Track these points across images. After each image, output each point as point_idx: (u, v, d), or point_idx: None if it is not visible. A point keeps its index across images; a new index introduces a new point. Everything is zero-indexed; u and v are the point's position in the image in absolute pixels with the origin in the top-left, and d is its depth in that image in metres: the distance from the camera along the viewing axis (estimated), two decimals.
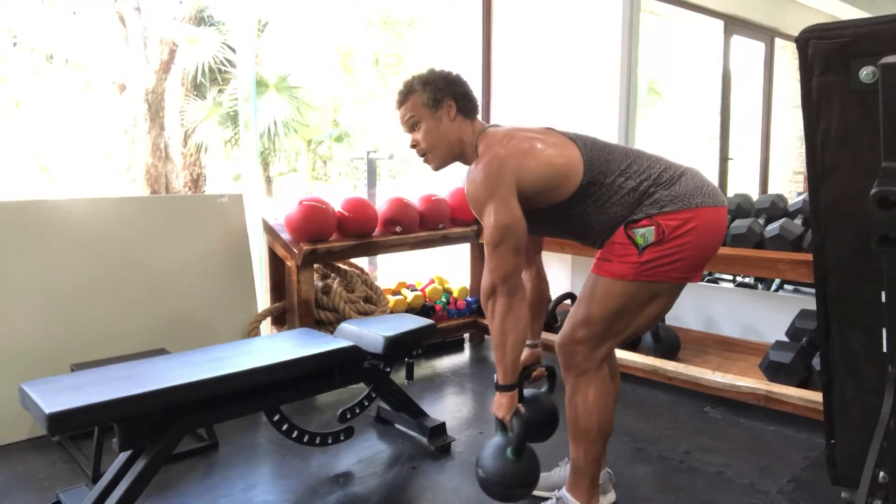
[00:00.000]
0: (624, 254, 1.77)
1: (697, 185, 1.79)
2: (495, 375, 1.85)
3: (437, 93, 1.88)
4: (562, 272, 4.14)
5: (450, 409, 3.01)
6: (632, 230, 1.76)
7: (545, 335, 3.46)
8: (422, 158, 1.97)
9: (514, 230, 1.75)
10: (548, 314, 3.61)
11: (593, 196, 1.80)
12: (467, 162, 1.95)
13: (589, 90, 3.81)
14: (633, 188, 1.78)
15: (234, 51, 8.13)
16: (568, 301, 3.77)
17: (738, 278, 4.06)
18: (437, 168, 1.98)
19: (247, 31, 4.17)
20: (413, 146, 1.95)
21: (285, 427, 2.29)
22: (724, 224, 1.84)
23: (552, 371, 2.14)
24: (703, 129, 5.80)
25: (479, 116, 1.99)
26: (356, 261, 3.65)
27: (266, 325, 3.53)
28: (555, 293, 3.81)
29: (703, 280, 4.04)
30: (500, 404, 1.84)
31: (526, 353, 2.10)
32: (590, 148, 1.84)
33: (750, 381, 2.74)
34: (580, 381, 1.85)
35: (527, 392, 2.12)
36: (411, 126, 1.94)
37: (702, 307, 3.57)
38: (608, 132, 3.70)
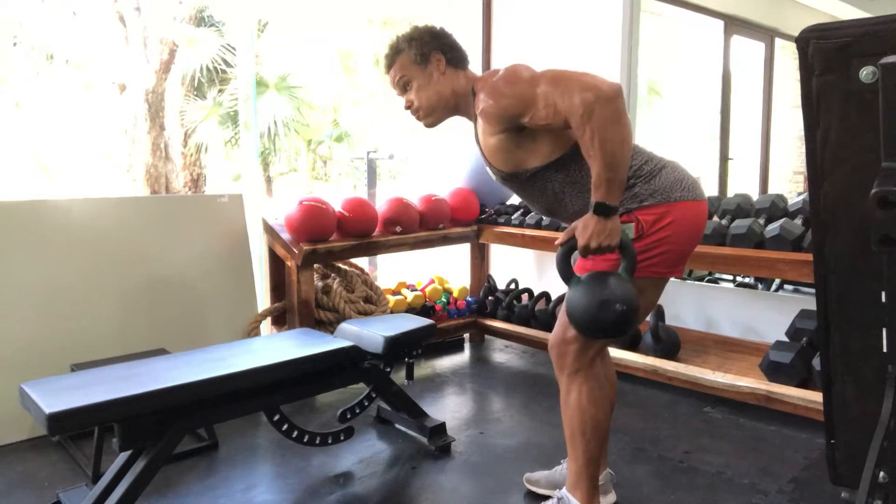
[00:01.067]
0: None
1: (677, 179, 1.79)
2: (593, 202, 1.60)
3: (423, 48, 1.86)
4: None
5: (450, 409, 3.01)
6: None
7: (546, 335, 3.46)
8: (416, 117, 1.93)
9: (573, 69, 1.65)
10: (548, 314, 3.62)
11: (572, 174, 1.78)
12: (463, 114, 1.91)
13: None
14: None
15: (233, 51, 8.14)
16: None
17: (738, 278, 4.06)
18: (432, 125, 1.94)
19: (247, 31, 4.17)
20: (407, 107, 1.92)
21: (285, 427, 2.29)
22: (703, 218, 1.84)
23: None
24: (703, 129, 5.80)
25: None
26: (356, 261, 3.65)
27: (266, 325, 3.53)
28: (555, 293, 3.82)
29: (703, 280, 4.05)
30: (612, 230, 1.60)
31: None
32: None
33: (750, 381, 2.74)
34: (573, 380, 1.85)
35: None
36: (403, 87, 1.91)
37: (702, 307, 3.57)
38: None
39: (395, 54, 1.89)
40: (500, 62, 4.22)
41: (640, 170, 1.78)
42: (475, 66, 4.18)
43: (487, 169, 1.95)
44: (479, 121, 1.84)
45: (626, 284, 1.63)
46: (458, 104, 1.90)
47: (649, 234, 1.74)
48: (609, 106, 1.53)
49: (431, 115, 1.91)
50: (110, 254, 2.94)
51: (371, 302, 3.53)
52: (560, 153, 1.78)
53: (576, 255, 1.73)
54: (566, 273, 1.70)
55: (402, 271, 4.23)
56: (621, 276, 1.65)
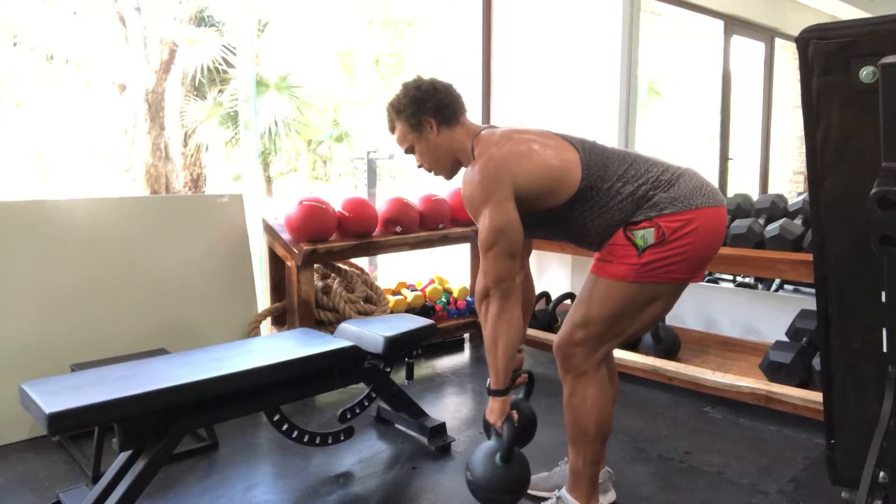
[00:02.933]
0: (623, 255, 1.77)
1: (697, 186, 1.79)
2: (488, 380, 1.86)
3: (411, 118, 1.93)
4: (562, 272, 4.15)
5: (450, 409, 3.01)
6: (631, 232, 1.76)
7: (546, 335, 3.47)
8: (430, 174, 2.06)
9: (509, 234, 1.76)
10: (548, 314, 3.62)
11: (591, 201, 1.80)
12: (466, 165, 1.96)
13: (589, 90, 3.81)
14: (630, 193, 1.78)
15: (233, 51, 8.14)
16: (568, 301, 3.78)
17: (738, 278, 4.06)
18: (447, 178, 2.05)
19: (247, 31, 4.18)
20: (419, 167, 2.03)
21: (285, 427, 2.29)
22: (724, 223, 1.85)
23: (531, 377, 2.13)
24: (703, 129, 5.80)
25: (477, 114, 2.00)
26: (356, 261, 3.65)
27: (266, 325, 3.53)
28: (555, 293, 3.83)
29: (703, 280, 4.05)
30: (492, 409, 1.85)
31: None
32: (588, 152, 1.84)
33: (750, 381, 2.74)
34: (578, 382, 1.85)
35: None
36: (408, 151, 2.01)
37: (702, 307, 3.57)
38: (608, 132, 3.70)
39: (392, 125, 2.00)
40: (500, 62, 4.24)
41: (657, 180, 1.78)
42: (475, 66, 4.22)
43: None
44: None
45: (490, 466, 1.80)
46: (458, 159, 1.97)
47: (671, 240, 1.73)
48: (496, 303, 1.79)
49: (440, 172, 2.02)
50: (110, 254, 2.94)
51: (371, 302, 3.53)
52: (572, 193, 1.80)
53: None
54: (486, 431, 1.94)
55: (402, 271, 4.23)
56: (495, 458, 1.81)
